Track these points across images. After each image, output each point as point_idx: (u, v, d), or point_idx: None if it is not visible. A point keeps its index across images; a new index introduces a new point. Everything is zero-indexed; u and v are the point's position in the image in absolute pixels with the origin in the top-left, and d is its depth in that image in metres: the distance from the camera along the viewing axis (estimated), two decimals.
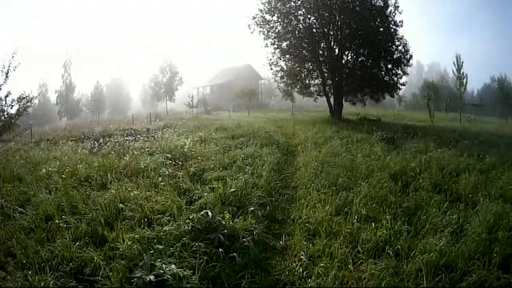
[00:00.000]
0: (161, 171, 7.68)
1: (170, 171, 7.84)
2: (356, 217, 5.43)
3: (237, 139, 12.97)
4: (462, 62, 30.90)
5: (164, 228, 4.81)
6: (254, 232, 4.82)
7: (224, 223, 4.73)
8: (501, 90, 41.09)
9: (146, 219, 5.27)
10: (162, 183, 6.81)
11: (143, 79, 68.87)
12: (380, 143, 12.00)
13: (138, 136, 15.75)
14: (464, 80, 31.22)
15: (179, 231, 4.69)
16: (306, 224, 5.35)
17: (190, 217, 4.90)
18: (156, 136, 15.07)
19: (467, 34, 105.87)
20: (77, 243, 4.63)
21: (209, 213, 4.78)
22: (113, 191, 6.26)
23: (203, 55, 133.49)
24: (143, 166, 8.03)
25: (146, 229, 4.89)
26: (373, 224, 5.23)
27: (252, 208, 5.57)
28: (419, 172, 7.94)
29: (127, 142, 12.92)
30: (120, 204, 5.73)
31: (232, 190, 6.07)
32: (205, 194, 6.15)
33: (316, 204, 5.98)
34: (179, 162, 8.92)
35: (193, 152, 10.03)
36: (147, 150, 10.49)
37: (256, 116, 32.78)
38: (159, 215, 5.38)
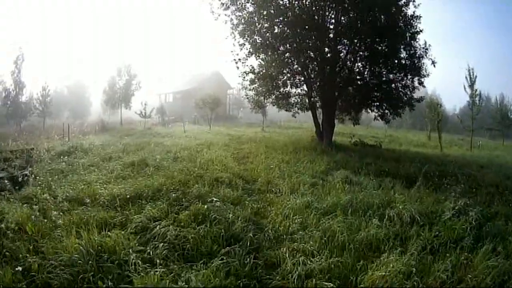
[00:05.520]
0: None
1: None
2: None
3: (136, 220, 5.52)
4: (476, 77, 24.77)
5: None
6: None
7: None
8: (500, 110, 35.92)
9: None
10: None
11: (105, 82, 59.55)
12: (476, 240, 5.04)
13: None
14: (478, 99, 25.09)
15: None
16: None
17: None
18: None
19: (449, 50, 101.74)
20: None
21: None
22: None
23: (172, 60, 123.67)
24: None
25: None
26: None
27: None
28: None
29: None
30: None
31: None
32: None
33: None
34: None
35: None
36: None
37: (217, 131, 25.67)
38: None
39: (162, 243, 4.56)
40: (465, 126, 26.94)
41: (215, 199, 5.81)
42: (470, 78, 25.10)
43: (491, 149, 25.65)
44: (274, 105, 20.41)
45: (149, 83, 51.40)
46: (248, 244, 4.59)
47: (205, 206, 5.50)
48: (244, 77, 18.50)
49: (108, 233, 4.81)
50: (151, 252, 4.34)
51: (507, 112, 36.62)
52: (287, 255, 4.38)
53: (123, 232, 4.86)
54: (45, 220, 5.33)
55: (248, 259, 4.23)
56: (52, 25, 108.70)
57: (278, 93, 18.96)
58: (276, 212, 5.90)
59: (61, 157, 11.43)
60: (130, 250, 4.30)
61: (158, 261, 4.11)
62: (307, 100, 18.99)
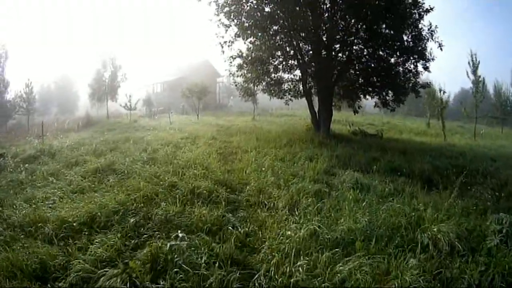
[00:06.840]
0: None
1: None
2: None
3: (76, 267, 3.88)
4: (479, 62, 23.18)
5: None
6: None
7: None
8: (498, 96, 34.51)
9: None
10: None
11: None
12: None
13: None
14: (481, 85, 23.47)
15: None
16: None
17: None
18: None
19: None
20: None
21: None
22: None
23: (161, 49, 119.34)
24: None
25: None
26: None
27: None
28: None
29: None
30: None
31: None
32: None
33: None
34: None
35: None
36: None
37: (206, 121, 23.84)
38: None
39: None
40: (468, 113, 25.38)
41: (181, 235, 4.08)
42: (473, 63, 23.52)
43: (493, 138, 24.31)
44: (265, 93, 18.67)
45: (137, 74, 49.59)
46: None
47: (167, 246, 3.84)
48: (231, 62, 16.62)
49: None
50: None
51: (506, 99, 35.39)
52: None
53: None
54: None
55: None
56: (36, 19, 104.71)
57: (269, 79, 17.18)
58: (270, 245, 4.26)
59: (26, 163, 9.78)
60: None
61: None
62: (301, 87, 17.27)
